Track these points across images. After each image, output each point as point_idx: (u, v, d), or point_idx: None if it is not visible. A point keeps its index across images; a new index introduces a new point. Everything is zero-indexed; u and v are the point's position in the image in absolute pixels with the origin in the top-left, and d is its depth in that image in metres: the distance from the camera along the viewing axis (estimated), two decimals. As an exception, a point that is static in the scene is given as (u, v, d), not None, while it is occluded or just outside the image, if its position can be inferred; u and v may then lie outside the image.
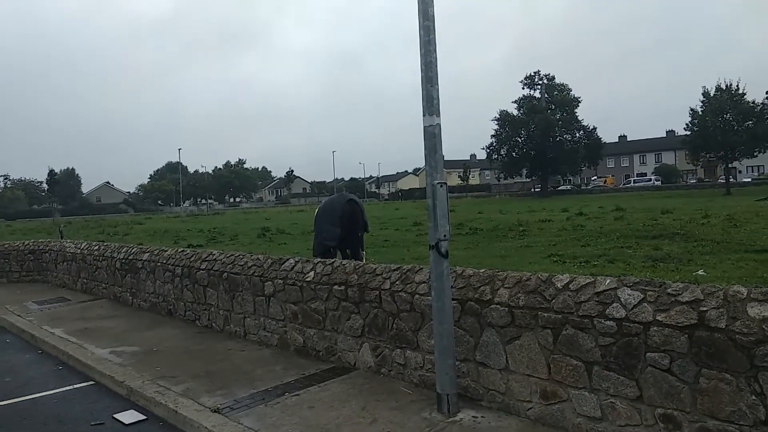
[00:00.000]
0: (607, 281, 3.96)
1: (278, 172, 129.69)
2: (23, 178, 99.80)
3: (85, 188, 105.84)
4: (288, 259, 6.84)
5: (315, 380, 5.54)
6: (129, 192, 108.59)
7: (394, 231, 21.95)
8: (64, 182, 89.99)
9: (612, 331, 3.72)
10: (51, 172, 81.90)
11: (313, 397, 5.07)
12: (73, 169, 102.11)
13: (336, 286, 5.97)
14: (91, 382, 6.21)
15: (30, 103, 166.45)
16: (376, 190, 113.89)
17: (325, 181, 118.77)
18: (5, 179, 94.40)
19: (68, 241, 13.72)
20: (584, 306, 3.91)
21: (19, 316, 9.43)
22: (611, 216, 24.06)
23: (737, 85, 48.31)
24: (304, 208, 63.29)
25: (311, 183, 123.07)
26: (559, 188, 76.61)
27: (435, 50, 4.52)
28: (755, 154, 49.40)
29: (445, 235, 4.45)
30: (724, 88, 48.68)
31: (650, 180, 75.70)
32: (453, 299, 4.60)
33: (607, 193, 65.31)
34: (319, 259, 6.57)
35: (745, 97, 48.08)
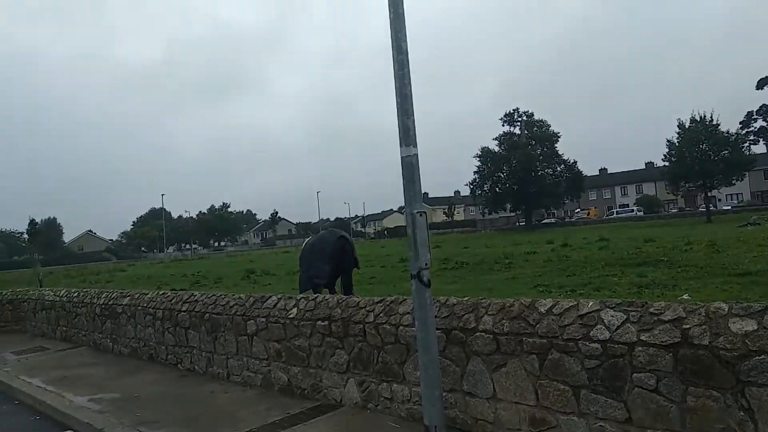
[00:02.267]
0: (590, 304, 3.95)
1: (263, 215, 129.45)
2: (3, 230, 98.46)
3: (67, 237, 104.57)
4: (270, 297, 6.74)
5: (300, 419, 5.39)
6: (112, 240, 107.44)
7: (380, 268, 21.87)
8: (45, 232, 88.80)
9: (597, 353, 3.69)
10: (32, 222, 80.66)
11: (297, 437, 4.93)
12: (54, 218, 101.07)
13: (320, 322, 5.88)
14: (69, 432, 5.99)
15: (11, 151, 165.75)
16: (362, 229, 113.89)
17: (310, 222, 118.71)
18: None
19: (47, 289, 13.44)
20: (568, 329, 3.88)
21: (-6, 367, 9.13)
22: (596, 246, 24.23)
23: (711, 117, 49.67)
24: (290, 249, 62.93)
25: (296, 224, 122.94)
26: (544, 221, 77.23)
27: (409, 83, 4.58)
28: (733, 182, 50.46)
29: (426, 264, 4.42)
30: (698, 119, 49.99)
31: (632, 210, 76.69)
32: (437, 329, 4.54)
33: (590, 224, 65.97)
34: (301, 295, 6.49)
35: (719, 127, 49.38)
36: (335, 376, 5.73)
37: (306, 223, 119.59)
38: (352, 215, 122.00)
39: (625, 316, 3.68)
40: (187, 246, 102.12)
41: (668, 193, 64.53)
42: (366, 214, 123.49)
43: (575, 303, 4.03)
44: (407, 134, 4.45)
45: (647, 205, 79.75)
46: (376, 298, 5.59)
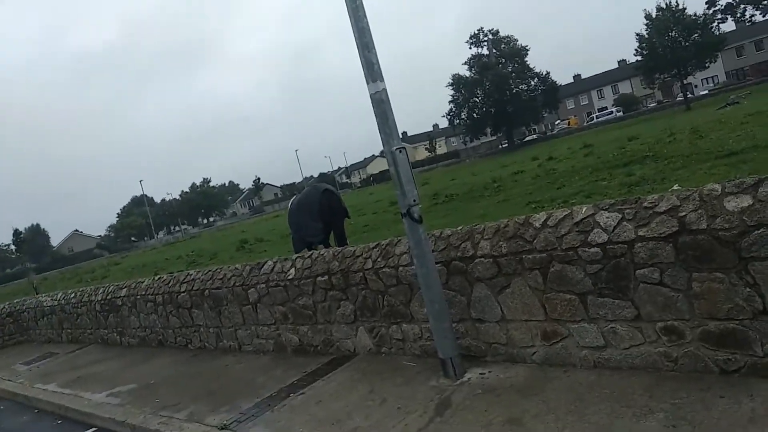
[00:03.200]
0: (584, 209, 3.88)
1: (246, 184, 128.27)
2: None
3: (55, 241, 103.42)
4: (266, 262, 6.67)
5: (318, 375, 5.42)
6: (100, 236, 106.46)
7: (372, 215, 21.83)
8: (32, 240, 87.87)
9: (598, 257, 3.65)
10: (16, 232, 79.91)
11: (318, 392, 4.95)
12: (38, 224, 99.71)
13: (319, 277, 5.83)
14: (93, 429, 6.01)
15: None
16: (348, 180, 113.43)
17: (294, 183, 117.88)
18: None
19: (43, 295, 13.31)
20: (566, 239, 3.83)
21: (8, 380, 9.12)
22: (580, 153, 24.26)
23: (676, 2, 48.83)
24: (279, 212, 62.76)
25: (281, 187, 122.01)
26: (526, 139, 76.81)
27: (365, 15, 4.35)
28: (706, 65, 50.22)
29: (414, 200, 4.33)
30: (664, 6, 49.16)
31: (611, 112, 76.31)
32: (437, 262, 4.50)
33: (572, 134, 65.80)
34: (297, 255, 6.41)
35: (686, 11, 48.66)
36: (345, 328, 5.73)
37: (290, 184, 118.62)
38: (335, 168, 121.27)
39: (620, 216, 3.62)
40: (176, 228, 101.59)
41: (644, 87, 64.32)
42: (348, 165, 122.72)
43: (569, 211, 3.97)
44: (371, 69, 4.26)
45: (625, 104, 79.29)
46: (371, 244, 5.52)
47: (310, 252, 6.24)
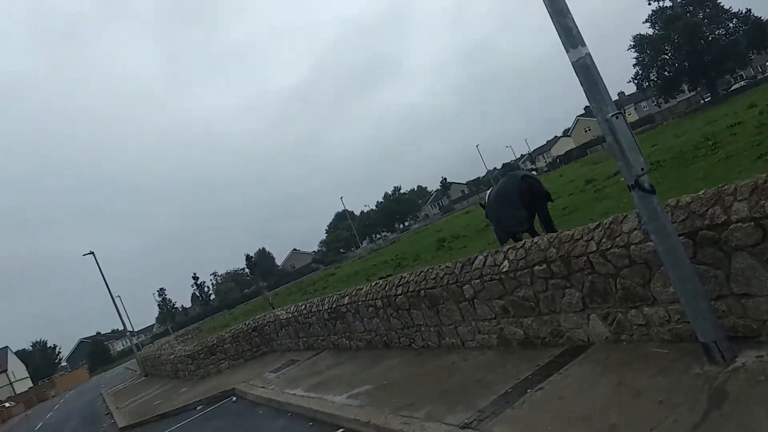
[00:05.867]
0: None
1: (433, 185, 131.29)
2: (229, 271, 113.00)
3: (278, 260, 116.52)
4: (477, 257, 6.56)
5: (552, 368, 5.13)
6: (314, 251, 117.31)
7: (568, 197, 20.62)
8: (261, 262, 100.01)
9: None
10: (247, 257, 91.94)
11: (558, 387, 4.67)
12: (263, 248, 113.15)
13: (537, 267, 5.54)
14: (341, 430, 6.45)
15: (211, 206, 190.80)
16: (533, 165, 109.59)
17: (479, 177, 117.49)
18: (215, 276, 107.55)
19: (278, 309, 14.91)
20: None
21: (262, 387, 10.32)
22: (818, 89, 20.17)
23: None
24: (469, 208, 62.89)
25: (467, 183, 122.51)
26: (733, 88, 66.61)
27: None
28: None
29: (642, 169, 3.85)
30: None
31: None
32: (678, 235, 3.94)
33: (795, 70, 55.36)
34: (508, 246, 6.19)
35: None
36: (573, 317, 5.36)
37: (475, 179, 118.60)
38: (518, 156, 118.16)
39: None
40: (377, 236, 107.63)
41: None
42: (531, 150, 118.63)
43: None
44: (569, 35, 3.91)
45: None
46: (590, 225, 5.08)
47: (522, 242, 5.97)
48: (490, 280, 6.22)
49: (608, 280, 4.86)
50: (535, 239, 5.77)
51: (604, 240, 4.82)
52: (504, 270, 5.99)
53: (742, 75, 73.14)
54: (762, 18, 60.06)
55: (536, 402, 4.57)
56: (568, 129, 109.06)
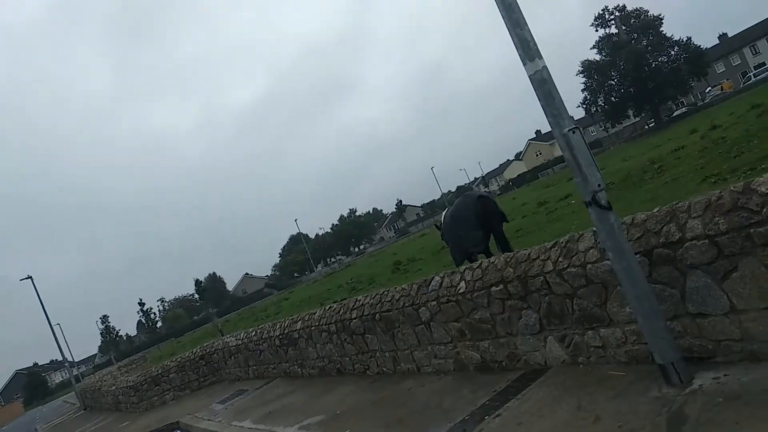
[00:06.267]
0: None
1: (388, 208, 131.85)
2: (177, 296, 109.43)
3: (230, 285, 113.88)
4: (433, 278, 6.40)
5: (510, 393, 4.98)
6: (267, 275, 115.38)
7: (521, 219, 20.88)
8: (211, 287, 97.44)
9: None
10: (197, 282, 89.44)
11: (516, 413, 4.51)
12: (214, 273, 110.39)
13: (493, 288, 5.42)
14: (291, 463, 6.10)
15: (160, 228, 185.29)
16: (486, 189, 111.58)
17: (434, 200, 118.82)
18: (162, 302, 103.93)
19: (228, 336, 14.36)
20: (812, 201, 3.05)
21: (209, 420, 9.80)
22: (751, 114, 21.29)
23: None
24: (425, 231, 63.22)
25: (422, 206, 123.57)
26: (675, 114, 69.84)
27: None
28: None
29: (599, 185, 3.79)
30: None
31: (771, 66, 66.87)
32: (635, 253, 3.88)
33: (730, 98, 58.56)
34: (465, 266, 6.07)
35: None
36: (530, 339, 5.24)
37: (430, 202, 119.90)
38: (471, 179, 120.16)
39: None
40: (332, 259, 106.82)
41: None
42: (485, 173, 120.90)
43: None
44: (527, 47, 3.84)
45: (791, 53, 69.03)
46: (547, 244, 5.01)
47: (479, 261, 5.86)
48: (446, 302, 6.06)
49: (565, 301, 4.77)
50: (492, 259, 5.66)
51: (560, 259, 4.75)
52: (461, 291, 5.84)
53: (683, 102, 76.91)
54: (701, 47, 63.47)
55: (494, 429, 4.40)
56: (520, 153, 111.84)
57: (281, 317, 16.13)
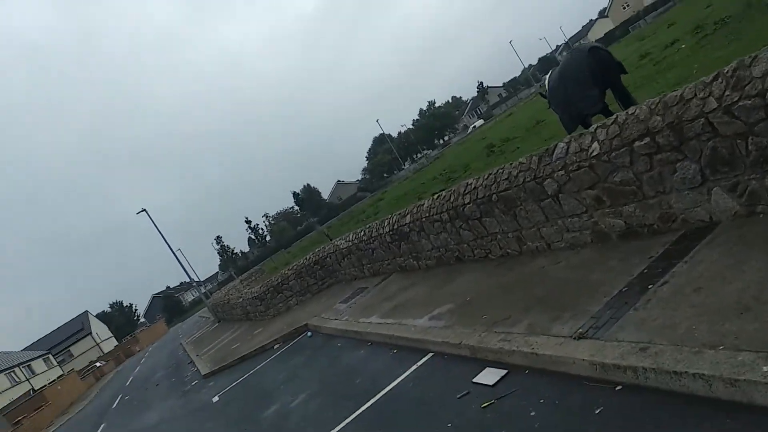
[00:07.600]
0: None
1: (468, 94, 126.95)
2: (279, 211, 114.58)
3: (324, 194, 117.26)
4: (557, 144, 5.67)
5: (673, 257, 4.35)
6: (358, 180, 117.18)
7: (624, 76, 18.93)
8: (308, 198, 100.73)
9: None
10: (295, 194, 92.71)
11: (688, 278, 3.90)
12: (308, 184, 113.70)
13: (636, 143, 4.66)
14: (430, 355, 5.95)
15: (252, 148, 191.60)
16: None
17: (515, 77, 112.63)
18: (267, 218, 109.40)
19: (337, 239, 14.51)
20: None
21: (336, 319, 10.00)
22: None
23: None
24: (511, 110, 60.44)
25: (503, 86, 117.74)
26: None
27: None
28: None
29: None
30: None
31: None
32: None
33: None
34: (597, 125, 5.27)
35: None
36: (689, 195, 4.50)
37: (511, 79, 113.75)
38: (553, 48, 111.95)
39: None
40: (418, 155, 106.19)
41: None
42: (567, 39, 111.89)
43: None
44: None
45: None
46: (705, 78, 4.11)
47: (614, 116, 5.03)
48: (577, 169, 5.38)
49: (735, 143, 3.95)
50: (631, 110, 4.82)
51: (727, 93, 3.87)
52: (594, 154, 5.12)
53: None
54: None
55: (665, 298, 3.83)
56: (605, 9, 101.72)
57: (381, 216, 16.06)
